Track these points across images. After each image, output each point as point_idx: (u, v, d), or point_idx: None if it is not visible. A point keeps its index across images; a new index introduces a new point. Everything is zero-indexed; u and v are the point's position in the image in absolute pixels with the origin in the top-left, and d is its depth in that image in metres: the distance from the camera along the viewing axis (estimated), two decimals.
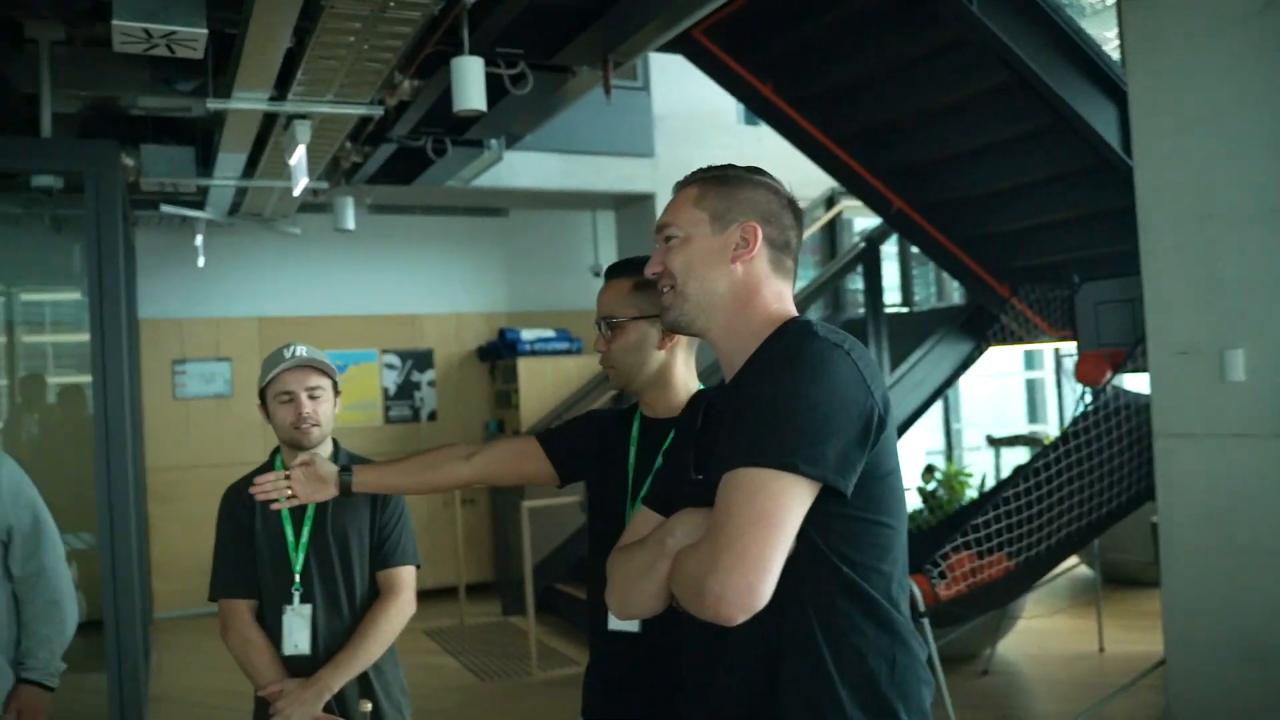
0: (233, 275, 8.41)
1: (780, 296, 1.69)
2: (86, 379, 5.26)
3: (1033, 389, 11.17)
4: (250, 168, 6.26)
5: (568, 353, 8.78)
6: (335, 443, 2.78)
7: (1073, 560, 6.55)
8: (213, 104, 4.90)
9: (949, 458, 9.34)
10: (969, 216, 6.30)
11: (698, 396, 2.11)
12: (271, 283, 8.54)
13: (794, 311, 1.70)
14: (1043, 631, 6.58)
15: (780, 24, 5.66)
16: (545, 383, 8.54)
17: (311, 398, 2.64)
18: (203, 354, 8.30)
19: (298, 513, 2.64)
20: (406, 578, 2.72)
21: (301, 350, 2.67)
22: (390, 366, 8.87)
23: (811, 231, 8.91)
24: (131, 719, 5.31)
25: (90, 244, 5.23)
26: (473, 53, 4.62)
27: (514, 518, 7.22)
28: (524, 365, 8.53)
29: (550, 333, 8.83)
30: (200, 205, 7.09)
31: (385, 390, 8.85)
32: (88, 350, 4.85)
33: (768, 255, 1.68)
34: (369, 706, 2.60)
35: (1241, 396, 3.79)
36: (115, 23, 3.77)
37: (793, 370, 1.52)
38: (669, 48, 6.08)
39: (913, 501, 6.53)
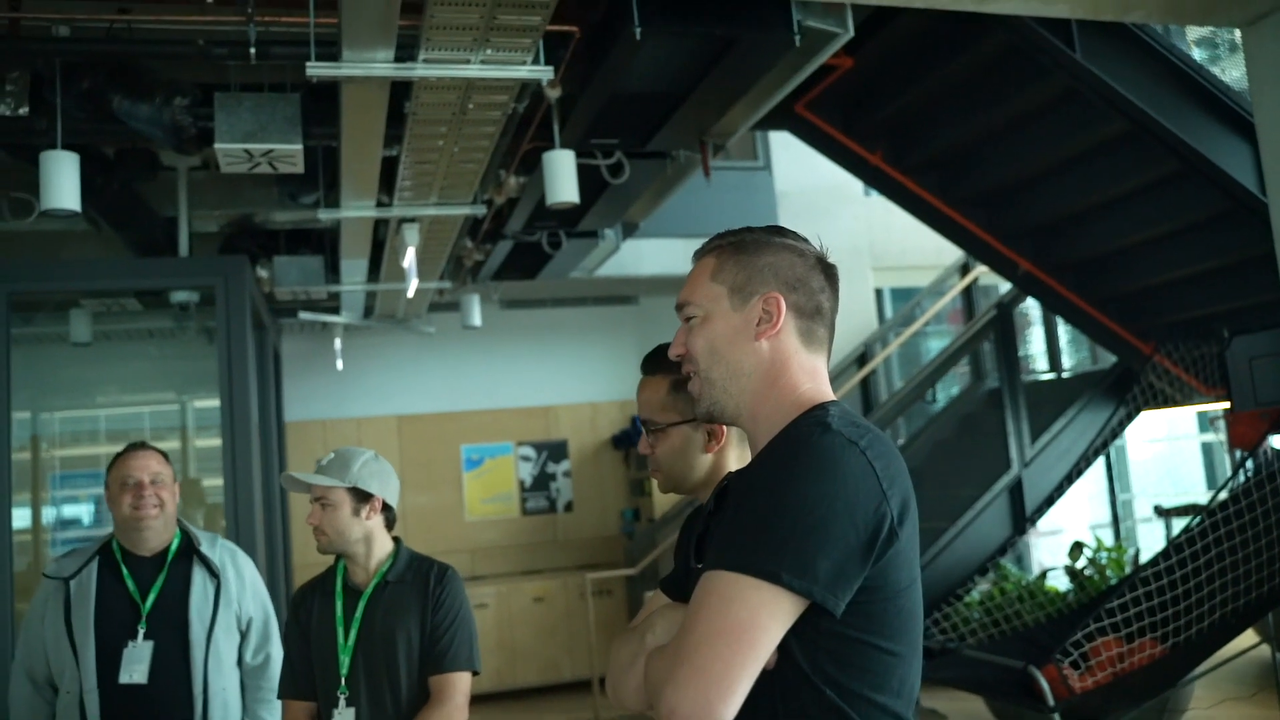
0: (371, 375, 8.71)
1: (813, 373, 1.52)
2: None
3: (1209, 453, 10.41)
4: (374, 271, 6.50)
5: None
6: (397, 542, 2.79)
7: (1251, 639, 5.96)
8: (324, 214, 5.13)
9: (1116, 532, 8.73)
10: (1101, 273, 5.96)
11: (726, 477, 1.98)
12: (408, 381, 8.81)
13: (826, 394, 1.52)
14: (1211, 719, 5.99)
15: (883, 92, 5.56)
16: None
17: (323, 506, 2.71)
18: None
19: (348, 614, 2.65)
20: (458, 684, 2.64)
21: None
22: (525, 458, 8.97)
23: (948, 299, 8.62)
24: None
25: (220, 351, 5.55)
26: (566, 145, 4.69)
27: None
28: None
29: None
30: (336, 310, 7.40)
31: (521, 482, 8.94)
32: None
33: (796, 326, 1.52)
34: None
35: None
36: (217, 145, 4.00)
37: (793, 466, 1.36)
38: (773, 125, 6.06)
39: (1061, 582, 6.11)
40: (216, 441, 7.78)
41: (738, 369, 1.52)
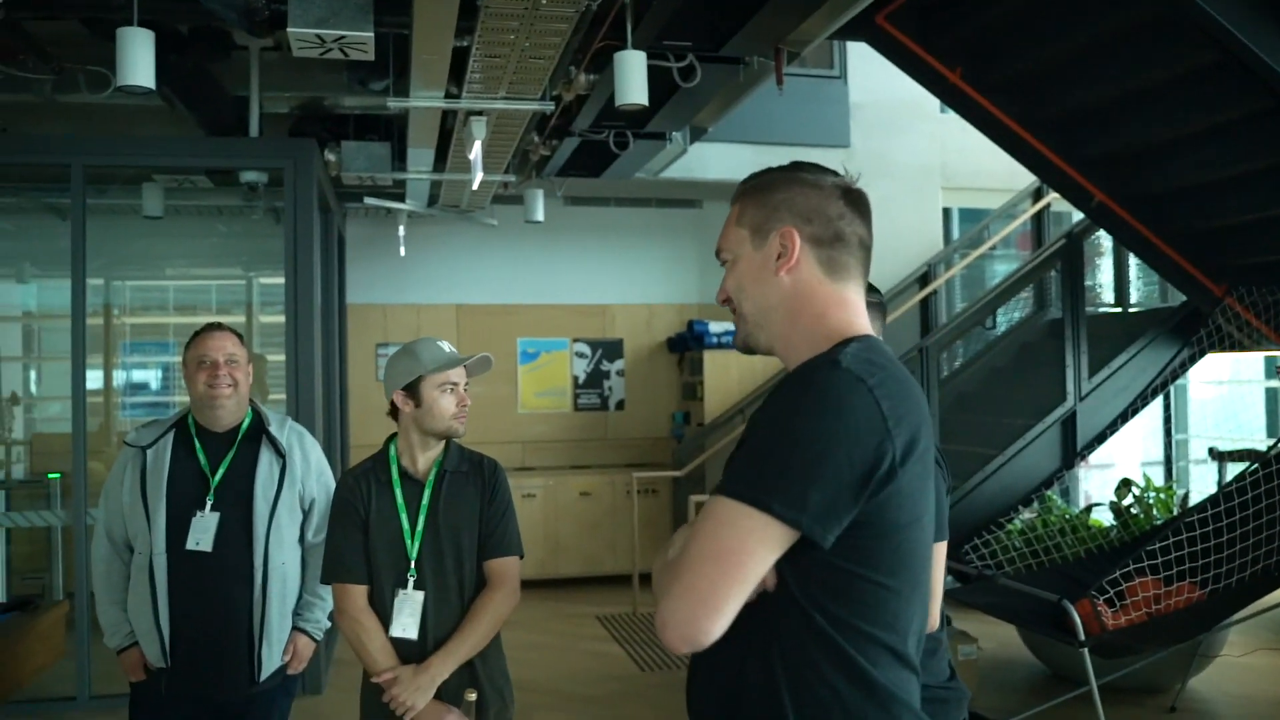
0: (432, 264, 8.79)
1: (841, 303, 1.55)
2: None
3: (1274, 399, 10.19)
4: (440, 161, 6.51)
5: None
6: None
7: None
8: (393, 103, 5.13)
9: (1168, 472, 8.64)
10: (1178, 209, 5.77)
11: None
12: (469, 271, 8.88)
13: (855, 325, 1.54)
14: (1245, 668, 5.99)
15: (966, 7, 5.37)
16: (730, 376, 8.48)
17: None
18: (404, 338, 8.70)
19: (413, 502, 2.73)
20: (512, 568, 2.79)
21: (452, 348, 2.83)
22: (580, 355, 9.05)
23: (1018, 224, 8.44)
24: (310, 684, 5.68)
25: (288, 230, 5.64)
26: (638, 46, 4.61)
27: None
28: (710, 358, 8.50)
29: None
30: (401, 198, 7.44)
31: (575, 379, 9.04)
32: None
33: (815, 256, 1.55)
34: (473, 696, 2.65)
35: None
36: (290, 30, 4.00)
37: (799, 401, 1.42)
38: (851, 35, 5.90)
39: (1105, 518, 6.08)
40: (278, 319, 7.97)
41: (764, 304, 1.57)
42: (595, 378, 9.08)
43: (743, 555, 1.37)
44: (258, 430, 3.20)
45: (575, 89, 5.53)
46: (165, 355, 8.77)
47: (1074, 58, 5.29)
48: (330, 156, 6.36)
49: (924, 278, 8.06)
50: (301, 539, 3.24)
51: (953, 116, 8.52)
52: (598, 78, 5.46)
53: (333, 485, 3.30)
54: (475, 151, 5.44)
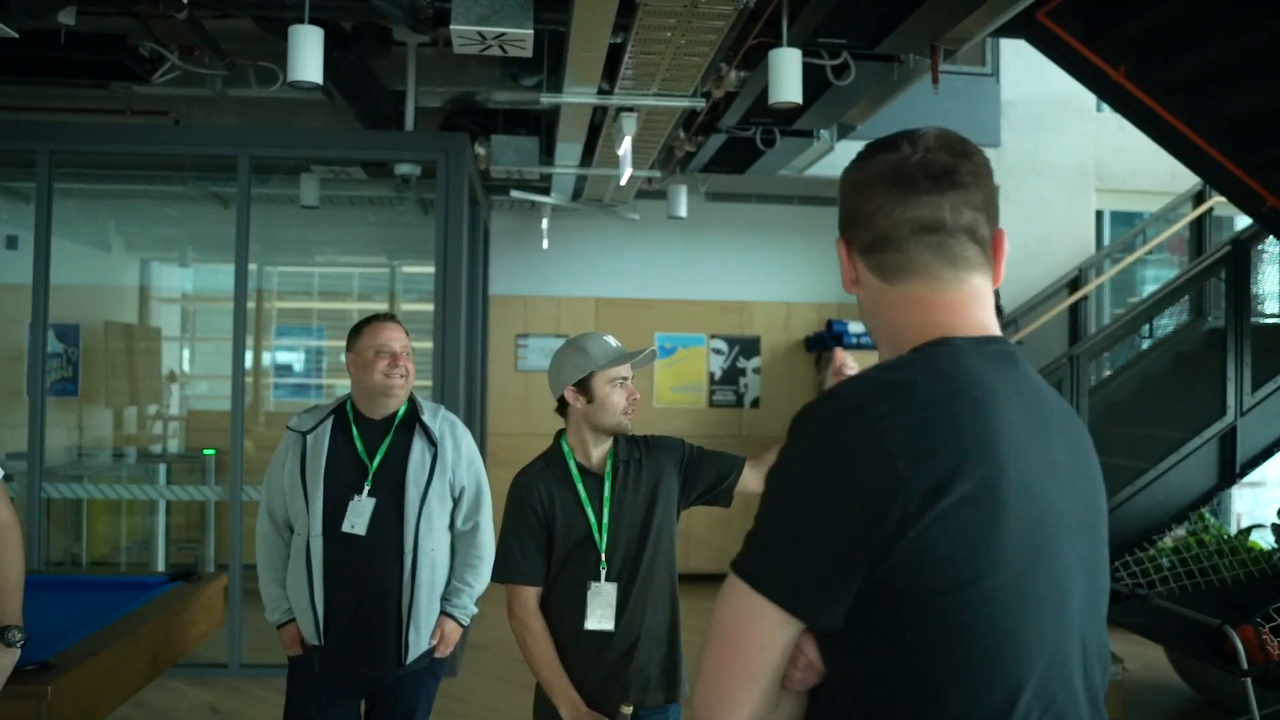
0: (574, 257, 8.90)
1: (911, 304, 1.29)
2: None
3: None
4: (587, 156, 6.59)
5: None
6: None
7: None
8: (546, 98, 5.21)
9: None
10: None
11: None
12: (609, 265, 8.96)
13: (934, 326, 1.27)
14: None
15: (1135, 4, 5.16)
16: None
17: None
18: (543, 330, 8.87)
19: (595, 496, 2.78)
20: (747, 464, 2.93)
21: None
22: (717, 351, 9.04)
23: (1178, 228, 8.09)
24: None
25: (438, 223, 5.80)
26: (793, 43, 4.59)
27: None
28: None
29: None
30: (546, 191, 7.56)
31: (711, 375, 9.04)
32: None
33: (866, 265, 1.32)
34: (629, 710, 2.67)
35: None
36: (453, 27, 4.10)
37: (790, 448, 1.20)
38: (1010, 32, 5.73)
39: (1265, 539, 5.79)
40: (419, 306, 8.18)
41: (864, 323, 1.40)
42: (731, 374, 9.06)
43: (745, 641, 1.18)
44: (412, 418, 3.29)
45: (725, 85, 5.53)
46: (310, 339, 9.12)
47: (1247, 58, 5.04)
48: (480, 150, 6.49)
49: (1074, 282, 7.79)
50: (451, 526, 3.32)
51: (1108, 116, 8.26)
52: (749, 74, 5.44)
53: (483, 474, 3.39)
54: (625, 147, 5.49)
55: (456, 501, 3.32)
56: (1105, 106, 8.24)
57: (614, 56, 4.77)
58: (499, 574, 2.82)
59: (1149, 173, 8.10)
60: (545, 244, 8.39)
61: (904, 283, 1.30)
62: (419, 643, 3.21)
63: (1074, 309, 7.82)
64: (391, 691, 3.27)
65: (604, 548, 2.73)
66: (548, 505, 2.75)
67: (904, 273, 1.30)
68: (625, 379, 2.79)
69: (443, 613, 3.28)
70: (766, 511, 1.20)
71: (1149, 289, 8.21)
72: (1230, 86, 5.28)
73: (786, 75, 4.52)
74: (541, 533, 2.75)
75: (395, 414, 3.29)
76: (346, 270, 9.58)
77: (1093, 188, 8.12)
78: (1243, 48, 5.00)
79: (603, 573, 2.72)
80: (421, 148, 5.99)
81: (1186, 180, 7.68)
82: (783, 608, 1.15)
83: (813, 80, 5.05)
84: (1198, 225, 7.80)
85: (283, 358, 9.16)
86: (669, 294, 9.00)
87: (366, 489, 3.18)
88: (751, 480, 2.88)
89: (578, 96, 5.15)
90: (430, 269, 5.85)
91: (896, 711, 1.16)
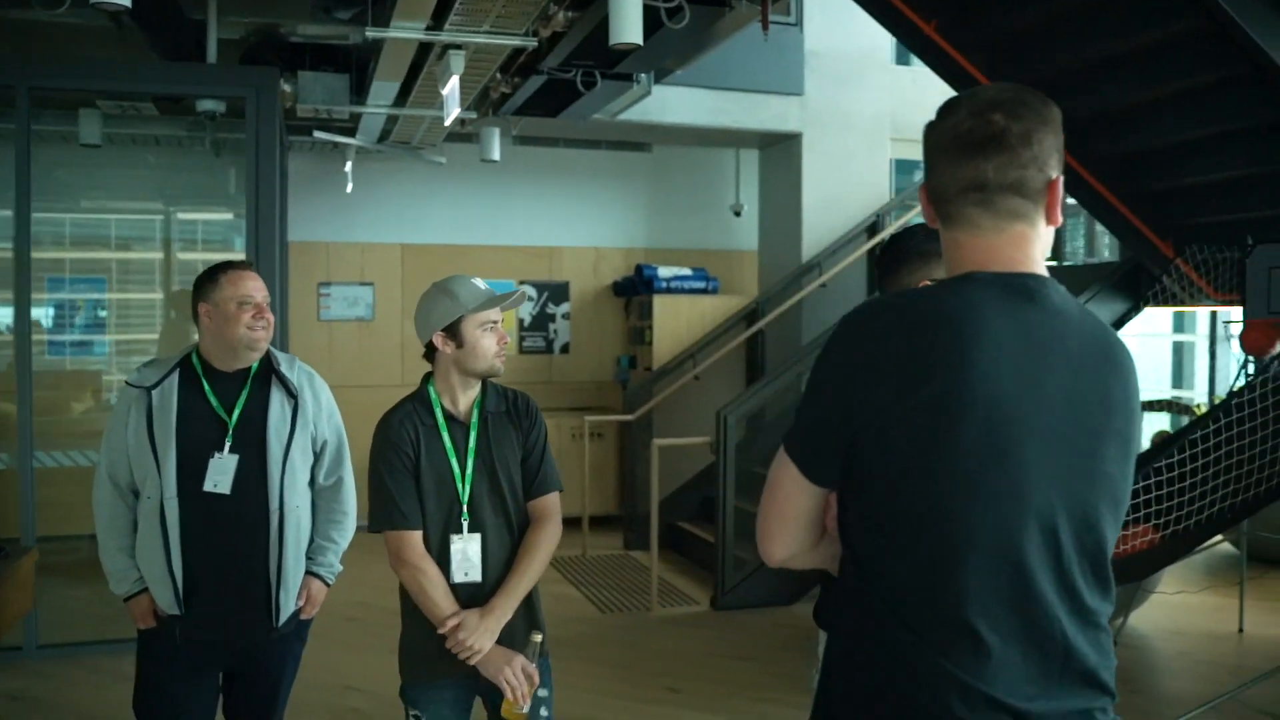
0: (379, 202, 8.58)
1: (956, 248, 1.52)
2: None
3: (1180, 352, 10.67)
4: (402, 96, 6.34)
5: (704, 291, 8.73)
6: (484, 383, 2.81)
7: (1216, 536, 6.26)
8: (372, 32, 4.96)
9: None
10: (1139, 172, 5.95)
11: None
12: (415, 210, 8.69)
13: (958, 265, 1.51)
14: (1179, 606, 6.34)
15: None
16: (680, 321, 8.51)
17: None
18: (347, 278, 8.53)
19: (460, 445, 2.69)
20: (557, 503, 2.79)
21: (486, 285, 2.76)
22: (527, 298, 8.97)
23: None
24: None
25: (249, 166, 5.43)
26: None
27: (643, 455, 7.27)
28: (660, 303, 8.52)
29: (688, 271, 8.78)
30: (351, 132, 7.23)
31: (520, 321, 8.96)
32: None
33: (935, 214, 1.56)
34: (539, 638, 2.63)
35: None
36: None
37: (824, 347, 1.52)
38: None
39: None
40: (196, 255, 7.65)
41: None
42: (541, 320, 9.02)
43: (779, 491, 1.53)
44: (268, 371, 3.09)
45: (552, 26, 5.42)
46: (70, 291, 8.37)
47: (1053, 19, 5.38)
48: (285, 87, 6.13)
49: (872, 227, 8.17)
50: (312, 482, 3.16)
51: (904, 69, 8.65)
52: (578, 15, 5.36)
53: (342, 427, 3.23)
54: (451, 86, 5.32)
55: (318, 456, 3.17)
56: (902, 59, 8.63)
57: None
58: (381, 522, 2.68)
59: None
60: (350, 188, 8.03)
61: (952, 229, 1.53)
62: (288, 604, 3.05)
63: (872, 253, 8.19)
64: (257, 657, 3.11)
65: (465, 498, 2.67)
66: (415, 448, 2.67)
67: (953, 221, 1.53)
68: (495, 323, 2.71)
69: (308, 572, 3.14)
70: (802, 395, 1.53)
71: None
72: (1031, 47, 5.61)
73: (628, 16, 4.48)
74: (413, 475, 2.67)
75: (249, 367, 3.09)
76: (128, 217, 8.84)
77: (889, 137, 8.50)
78: (1045, 12, 5.33)
79: (465, 524, 2.66)
80: (228, 83, 5.57)
81: None
82: (796, 466, 1.50)
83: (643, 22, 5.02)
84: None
85: (56, 314, 8.37)
86: (477, 239, 8.83)
87: (227, 445, 2.98)
88: (538, 512, 2.77)
89: (405, 32, 4.93)
90: (212, 215, 5.47)
91: (871, 560, 1.46)
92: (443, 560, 2.65)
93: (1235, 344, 6.80)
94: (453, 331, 2.68)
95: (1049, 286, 1.48)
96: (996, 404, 1.38)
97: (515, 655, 2.60)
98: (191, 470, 2.94)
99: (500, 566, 2.68)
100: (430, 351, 2.75)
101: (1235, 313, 6.33)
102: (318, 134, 7.04)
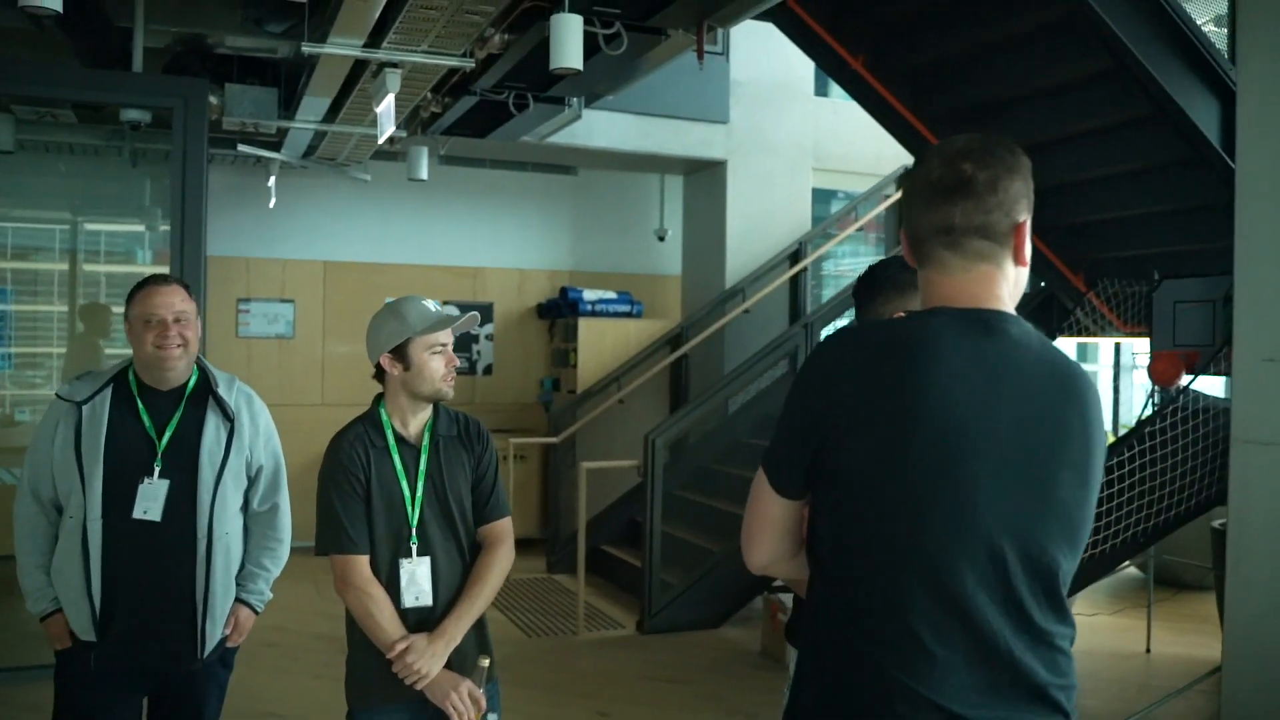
0: (301, 218, 8.46)
1: (929, 282, 1.62)
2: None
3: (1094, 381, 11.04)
4: (332, 112, 6.28)
5: (629, 315, 8.78)
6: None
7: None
8: (308, 47, 4.91)
9: None
10: (1051, 205, 6.15)
11: None
12: (339, 227, 8.59)
13: (938, 299, 1.60)
14: (1087, 627, 6.54)
15: None
16: (605, 344, 8.54)
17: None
18: (268, 294, 8.38)
19: (411, 468, 2.67)
20: (509, 528, 2.77)
21: (445, 308, 2.71)
22: (477, 321, 8.90)
23: (878, 211, 8.81)
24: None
25: (175, 178, 5.31)
26: (571, 10, 4.58)
27: (568, 477, 7.26)
28: (585, 325, 8.54)
29: (612, 294, 8.82)
30: (276, 147, 7.12)
31: None
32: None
33: (912, 254, 1.65)
34: (487, 662, 2.61)
35: None
36: None
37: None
38: (761, 15, 6.02)
39: None
40: (108, 268, 7.43)
41: None
42: (464, 341, 8.95)
43: (757, 503, 1.66)
44: (204, 391, 2.99)
45: (488, 48, 5.43)
46: None
47: (975, 54, 5.59)
48: (212, 99, 6.01)
49: (794, 255, 8.32)
50: (245, 507, 3.07)
51: (824, 100, 8.85)
52: (513, 38, 5.38)
53: (280, 452, 3.15)
54: (386, 104, 5.29)
55: (252, 481, 3.07)
56: (821, 90, 8.83)
57: (387, 8, 4.57)
58: (329, 545, 2.63)
59: (859, 155, 8.77)
60: (273, 203, 7.90)
61: (925, 268, 1.64)
62: (214, 633, 2.97)
63: (794, 280, 8.34)
64: (181, 685, 3.01)
65: (414, 522, 2.64)
66: (366, 471, 2.63)
67: (926, 260, 1.63)
68: (444, 345, 2.68)
69: (237, 599, 3.05)
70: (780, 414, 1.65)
71: (862, 261, 8.91)
72: (953, 80, 5.82)
73: (569, 41, 4.51)
74: (363, 498, 2.63)
75: (185, 385, 2.99)
76: (40, 227, 8.55)
77: (810, 166, 8.68)
78: (968, 44, 5.53)
79: (414, 547, 2.63)
80: (157, 92, 5.44)
81: (892, 163, 8.39)
82: (768, 480, 1.63)
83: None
84: (899, 207, 8.52)
85: None
86: (401, 258, 8.75)
87: (157, 470, 2.88)
88: (490, 538, 2.75)
89: (344, 48, 4.90)
90: (120, 227, 5.34)
91: (833, 570, 1.58)
92: (392, 583, 2.61)
93: (1143, 374, 7.09)
94: (400, 353, 2.65)
95: (1008, 320, 1.57)
96: (946, 425, 1.48)
97: (462, 680, 2.57)
98: (118, 491, 2.84)
99: (451, 591, 2.65)
100: (380, 373, 2.72)
101: (1142, 344, 6.60)
102: (242, 148, 6.92)
